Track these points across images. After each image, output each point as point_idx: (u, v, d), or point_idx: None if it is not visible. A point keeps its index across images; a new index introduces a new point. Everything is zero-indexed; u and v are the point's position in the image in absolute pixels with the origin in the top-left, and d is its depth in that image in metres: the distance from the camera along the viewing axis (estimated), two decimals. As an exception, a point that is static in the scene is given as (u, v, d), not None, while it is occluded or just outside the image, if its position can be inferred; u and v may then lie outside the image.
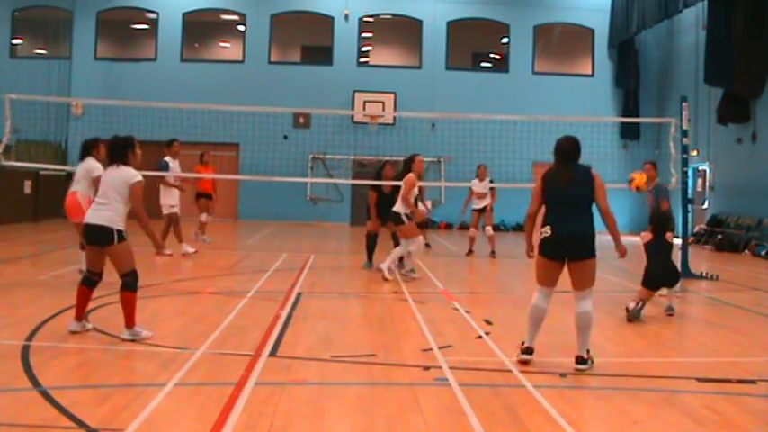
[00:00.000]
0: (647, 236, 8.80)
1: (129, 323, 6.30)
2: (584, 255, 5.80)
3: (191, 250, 13.09)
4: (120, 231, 6.31)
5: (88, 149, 9.50)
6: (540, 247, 5.93)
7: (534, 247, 6.23)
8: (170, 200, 13.11)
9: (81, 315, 6.47)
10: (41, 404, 4.49)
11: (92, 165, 9.30)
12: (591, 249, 5.82)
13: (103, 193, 6.36)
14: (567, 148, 6.07)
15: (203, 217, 14.56)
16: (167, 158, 13.26)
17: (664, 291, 8.88)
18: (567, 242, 5.81)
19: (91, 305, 7.76)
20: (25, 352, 5.74)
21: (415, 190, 10.86)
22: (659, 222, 8.79)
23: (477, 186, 15.50)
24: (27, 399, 4.62)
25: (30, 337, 6.24)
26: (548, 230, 5.85)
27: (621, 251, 6.20)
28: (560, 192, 5.92)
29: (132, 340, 6.23)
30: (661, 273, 8.50)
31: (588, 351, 5.87)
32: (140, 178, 6.40)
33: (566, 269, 5.93)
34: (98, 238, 6.30)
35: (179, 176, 13.40)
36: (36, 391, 4.76)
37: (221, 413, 4.39)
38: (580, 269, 5.84)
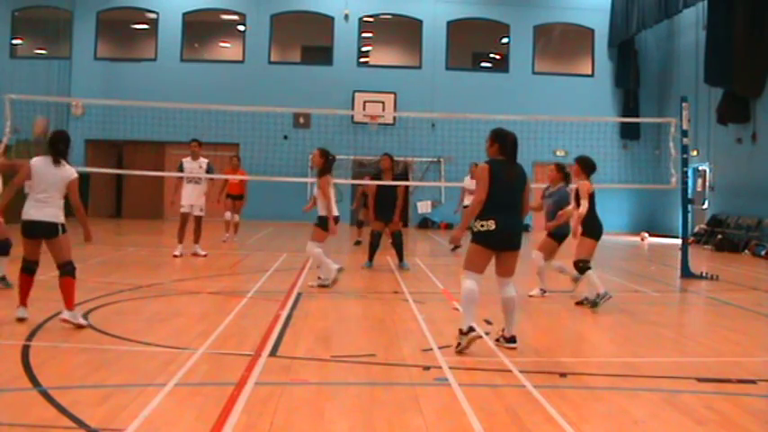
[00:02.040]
0: (590, 186, 8.73)
1: (70, 305, 6.68)
2: (518, 246, 6.30)
3: (177, 253, 13.06)
4: (63, 225, 6.78)
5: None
6: (480, 238, 6.18)
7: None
8: (182, 200, 13.37)
9: (25, 301, 6.90)
10: (41, 404, 4.49)
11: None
12: (521, 241, 6.34)
13: (44, 190, 6.73)
14: (516, 144, 6.40)
15: (227, 215, 16.44)
16: (184, 159, 13.57)
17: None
18: (509, 236, 6.20)
19: (91, 305, 7.81)
20: (25, 352, 5.73)
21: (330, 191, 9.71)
22: (586, 168, 8.77)
23: (471, 184, 15.56)
24: (27, 399, 4.61)
25: (30, 337, 6.24)
26: (491, 224, 6.12)
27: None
28: (507, 186, 6.22)
29: (69, 322, 6.60)
30: (601, 224, 8.76)
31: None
32: (77, 174, 6.85)
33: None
34: (43, 232, 6.74)
35: (194, 176, 13.45)
36: (36, 391, 4.76)
37: (221, 413, 4.38)
38: (511, 258, 6.31)
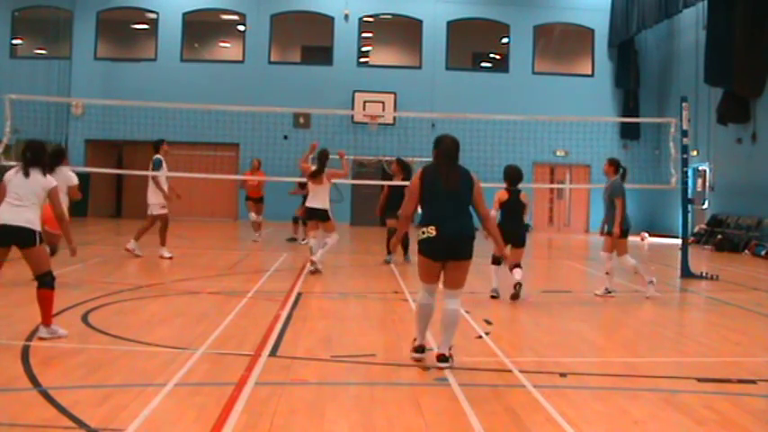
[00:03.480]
0: (503, 195, 9.08)
1: (48, 321, 6.29)
2: (465, 255, 5.73)
3: (167, 255, 12.46)
4: (40, 234, 6.38)
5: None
6: (422, 246, 5.75)
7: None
8: (161, 199, 12.62)
9: None
10: (41, 404, 4.49)
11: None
12: (471, 250, 5.76)
13: (21, 195, 6.33)
14: (453, 148, 5.90)
15: (252, 216, 17.17)
16: (160, 156, 12.83)
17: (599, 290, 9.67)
18: (452, 243, 5.67)
19: (91, 305, 7.80)
20: (25, 352, 5.73)
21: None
22: (506, 177, 9.17)
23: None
24: (27, 399, 4.61)
25: (30, 337, 6.23)
26: (432, 230, 5.64)
27: (500, 250, 6.39)
28: (444, 191, 5.76)
29: (50, 338, 6.22)
30: (513, 229, 8.97)
31: (450, 348, 5.75)
32: (56, 183, 6.59)
33: None
34: (17, 238, 6.31)
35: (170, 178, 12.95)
36: (36, 391, 4.76)
37: (221, 413, 4.38)
38: (458, 269, 5.76)
